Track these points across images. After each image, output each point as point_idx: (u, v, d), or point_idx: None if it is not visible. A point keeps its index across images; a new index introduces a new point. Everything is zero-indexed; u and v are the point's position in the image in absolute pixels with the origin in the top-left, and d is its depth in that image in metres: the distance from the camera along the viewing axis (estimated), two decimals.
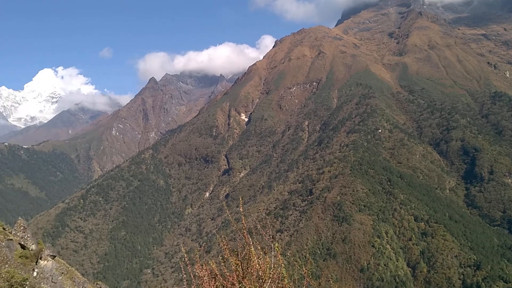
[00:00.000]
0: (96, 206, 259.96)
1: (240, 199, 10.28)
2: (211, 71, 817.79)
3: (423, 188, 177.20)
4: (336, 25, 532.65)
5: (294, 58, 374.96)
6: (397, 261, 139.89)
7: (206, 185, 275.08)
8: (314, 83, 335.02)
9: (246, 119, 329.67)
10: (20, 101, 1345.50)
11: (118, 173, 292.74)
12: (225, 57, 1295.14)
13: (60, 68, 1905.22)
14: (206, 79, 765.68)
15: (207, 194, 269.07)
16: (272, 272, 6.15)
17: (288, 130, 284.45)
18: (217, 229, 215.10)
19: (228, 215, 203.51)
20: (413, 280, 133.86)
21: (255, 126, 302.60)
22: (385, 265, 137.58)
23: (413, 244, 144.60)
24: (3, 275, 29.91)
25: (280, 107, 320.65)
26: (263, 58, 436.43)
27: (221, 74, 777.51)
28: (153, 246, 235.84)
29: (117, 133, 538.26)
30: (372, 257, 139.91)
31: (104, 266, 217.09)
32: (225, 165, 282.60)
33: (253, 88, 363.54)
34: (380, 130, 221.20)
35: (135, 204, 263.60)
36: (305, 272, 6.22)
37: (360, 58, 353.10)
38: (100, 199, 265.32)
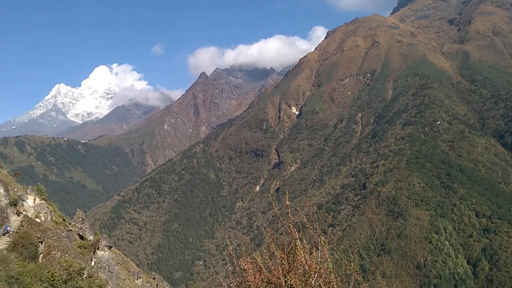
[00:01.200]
0: (150, 199, 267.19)
1: (286, 193, 10.11)
2: (261, 65, 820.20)
3: (485, 183, 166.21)
4: (391, 14, 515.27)
5: (347, 49, 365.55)
6: (456, 258, 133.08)
7: (256, 179, 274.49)
8: (368, 74, 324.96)
9: (297, 112, 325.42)
10: (78, 97, 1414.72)
11: (170, 167, 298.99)
12: (275, 50, 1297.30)
13: (114, 65, 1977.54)
14: (256, 73, 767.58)
15: (258, 188, 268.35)
16: (318, 267, 5.90)
17: (341, 123, 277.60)
18: (267, 223, 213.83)
19: (276, 210, 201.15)
20: (473, 278, 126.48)
21: (306, 119, 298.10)
22: (443, 262, 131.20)
23: (474, 241, 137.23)
24: (62, 264, 29.38)
25: (332, 100, 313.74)
26: (315, 49, 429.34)
27: (271, 67, 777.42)
28: (205, 239, 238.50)
29: (169, 128, 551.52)
30: (430, 254, 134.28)
31: (157, 257, 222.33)
32: (276, 159, 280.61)
33: (304, 81, 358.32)
34: (438, 122, 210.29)
35: (187, 197, 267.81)
36: (353, 268, 5.94)
37: (417, 47, 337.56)
38: (153, 192, 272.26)
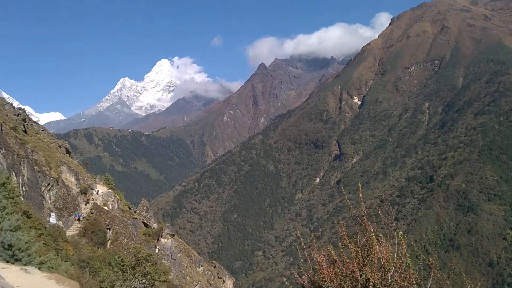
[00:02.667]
0: (210, 189, 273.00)
1: (359, 184, 8.87)
2: (321, 54, 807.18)
3: None
4: None
5: (413, 35, 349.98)
6: None
7: (316, 171, 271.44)
8: (436, 61, 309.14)
9: (359, 102, 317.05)
10: (141, 90, 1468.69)
11: (230, 158, 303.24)
12: (336, 39, 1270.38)
13: (176, 58, 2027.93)
14: (316, 62, 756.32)
15: (318, 179, 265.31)
16: (396, 262, 5.74)
17: (406, 113, 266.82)
18: (328, 215, 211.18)
19: (344, 201, 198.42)
20: None
21: (369, 109, 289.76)
22: None
23: None
24: (130, 250, 30.17)
25: (397, 89, 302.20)
26: (378, 37, 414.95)
27: (332, 56, 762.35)
28: (264, 230, 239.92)
29: (228, 119, 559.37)
30: (504, 251, 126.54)
31: (218, 247, 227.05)
32: (337, 150, 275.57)
33: (367, 70, 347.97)
34: None
35: (246, 188, 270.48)
36: (431, 263, 5.74)
37: (492, 31, 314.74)
38: (213, 182, 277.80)
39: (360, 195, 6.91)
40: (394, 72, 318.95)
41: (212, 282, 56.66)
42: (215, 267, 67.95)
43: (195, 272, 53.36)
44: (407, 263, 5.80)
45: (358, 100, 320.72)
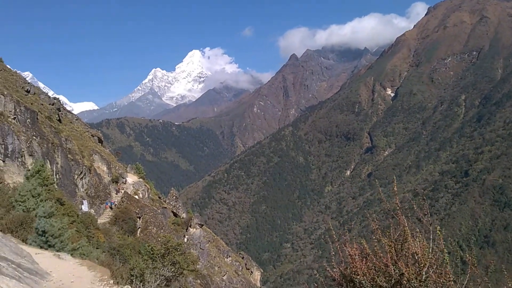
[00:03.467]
0: (239, 180, 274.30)
1: (394, 178, 8.92)
2: (354, 45, 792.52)
3: None
4: None
5: (450, 25, 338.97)
6: None
7: (347, 163, 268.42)
8: (474, 53, 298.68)
9: (392, 94, 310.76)
10: (172, 81, 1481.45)
11: (259, 149, 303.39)
12: (370, 29, 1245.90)
13: (207, 49, 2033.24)
14: (349, 53, 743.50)
15: (348, 172, 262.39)
16: (431, 257, 5.66)
17: (441, 105, 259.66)
18: (358, 208, 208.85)
19: (375, 194, 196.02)
20: None
21: (402, 101, 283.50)
22: None
23: None
24: (160, 239, 30.66)
25: (432, 81, 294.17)
26: (414, 27, 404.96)
27: (365, 47, 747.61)
28: (293, 222, 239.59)
29: (258, 110, 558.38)
30: None
31: (246, 238, 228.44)
32: (368, 143, 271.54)
33: (401, 61, 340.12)
34: None
35: (275, 179, 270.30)
36: (469, 260, 5.66)
37: None
38: (242, 173, 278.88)
39: (395, 188, 6.76)
40: (430, 63, 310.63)
41: (240, 272, 56.95)
42: (243, 258, 68.27)
43: (223, 263, 53.73)
44: (444, 259, 5.66)
45: (392, 92, 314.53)
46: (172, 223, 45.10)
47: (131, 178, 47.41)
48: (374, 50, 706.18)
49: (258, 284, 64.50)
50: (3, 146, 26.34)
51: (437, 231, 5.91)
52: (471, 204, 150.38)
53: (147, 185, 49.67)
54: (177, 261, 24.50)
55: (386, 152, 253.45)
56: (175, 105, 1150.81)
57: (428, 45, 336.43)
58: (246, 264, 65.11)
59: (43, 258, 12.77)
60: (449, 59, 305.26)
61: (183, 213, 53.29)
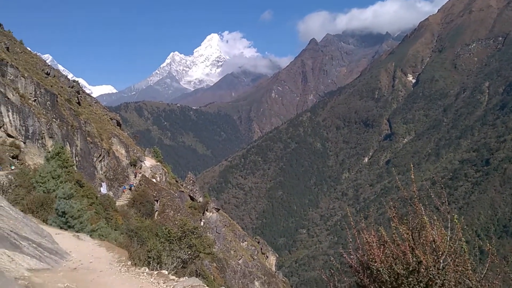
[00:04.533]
0: (256, 165, 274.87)
1: (411, 166, 9.19)
2: (376, 29, 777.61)
3: None
4: None
5: (476, 9, 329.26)
6: None
7: (365, 150, 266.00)
8: (500, 38, 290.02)
9: (414, 81, 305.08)
10: (190, 65, 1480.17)
11: (276, 135, 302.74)
12: (392, 13, 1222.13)
13: (225, 33, 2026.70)
14: (369, 38, 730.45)
15: (366, 159, 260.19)
16: (450, 245, 5.72)
17: (463, 92, 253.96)
18: (375, 196, 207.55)
19: (393, 181, 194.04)
20: None
21: (424, 88, 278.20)
22: None
23: None
24: (177, 222, 31.11)
25: (455, 67, 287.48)
26: (438, 11, 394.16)
27: (387, 32, 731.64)
28: (309, 208, 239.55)
29: (276, 96, 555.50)
30: None
31: (262, 223, 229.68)
32: (387, 130, 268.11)
33: (424, 46, 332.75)
34: None
35: (292, 165, 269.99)
36: (488, 249, 5.66)
37: None
38: (259, 159, 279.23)
39: (412, 176, 6.68)
40: (453, 49, 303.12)
41: (256, 257, 57.41)
42: (258, 242, 68.78)
43: (238, 247, 54.21)
44: (462, 247, 5.66)
45: (413, 78, 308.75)
46: (189, 207, 45.57)
47: (149, 162, 47.94)
48: (396, 35, 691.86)
49: (273, 269, 65.01)
50: (24, 128, 26.79)
51: (455, 220, 5.86)
52: (491, 194, 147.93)
53: (165, 169, 50.16)
54: (194, 244, 24.88)
55: (405, 139, 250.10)
56: (192, 89, 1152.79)
57: (452, 30, 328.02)
58: (261, 249, 65.62)
59: (63, 239, 13.01)
60: (474, 44, 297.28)
61: (200, 197, 53.76)
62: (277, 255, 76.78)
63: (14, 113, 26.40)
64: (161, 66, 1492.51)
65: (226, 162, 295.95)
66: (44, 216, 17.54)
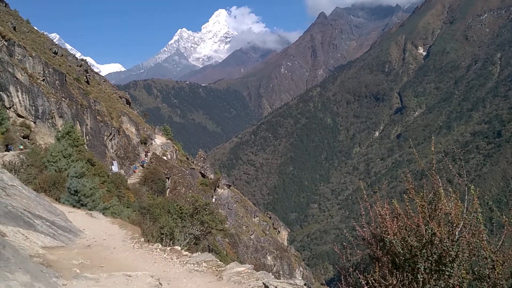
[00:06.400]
0: (266, 141, 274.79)
1: (432, 138, 7.82)
2: (385, 1, 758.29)
3: None
4: None
5: None
6: None
7: (375, 124, 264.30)
8: None
9: (424, 53, 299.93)
10: (198, 42, 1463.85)
11: (286, 111, 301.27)
12: None
13: (233, 8, 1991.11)
14: (379, 11, 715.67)
15: (377, 133, 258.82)
16: (465, 217, 5.55)
17: (475, 64, 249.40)
18: (386, 169, 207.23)
19: (405, 154, 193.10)
20: None
21: (435, 60, 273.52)
22: None
23: None
24: (188, 199, 31.41)
25: (466, 38, 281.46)
26: None
27: (397, 4, 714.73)
28: (320, 183, 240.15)
29: (286, 71, 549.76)
30: None
31: (273, 198, 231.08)
32: (398, 103, 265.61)
33: (434, 18, 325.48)
34: None
35: (303, 141, 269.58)
36: (505, 221, 5.44)
37: None
38: (270, 135, 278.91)
39: (433, 147, 6.50)
40: (464, 20, 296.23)
41: (267, 232, 57.97)
42: (270, 218, 69.34)
43: (250, 222, 54.69)
44: (477, 218, 5.42)
45: (424, 51, 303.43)
46: (200, 184, 45.87)
47: (159, 140, 48.10)
48: (406, 7, 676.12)
49: (285, 243, 65.69)
50: (33, 107, 26.89)
51: (471, 191, 5.56)
52: (503, 165, 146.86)
53: (175, 146, 50.32)
54: (206, 220, 25.06)
55: (416, 112, 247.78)
56: (201, 66, 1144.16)
57: (463, 1, 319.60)
58: (273, 224, 66.17)
59: (76, 217, 13.17)
60: (485, 15, 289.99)
61: (211, 174, 54.01)
62: (288, 230, 77.51)
63: (24, 93, 26.49)
64: (169, 43, 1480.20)
65: (236, 138, 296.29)
66: (56, 195, 17.73)
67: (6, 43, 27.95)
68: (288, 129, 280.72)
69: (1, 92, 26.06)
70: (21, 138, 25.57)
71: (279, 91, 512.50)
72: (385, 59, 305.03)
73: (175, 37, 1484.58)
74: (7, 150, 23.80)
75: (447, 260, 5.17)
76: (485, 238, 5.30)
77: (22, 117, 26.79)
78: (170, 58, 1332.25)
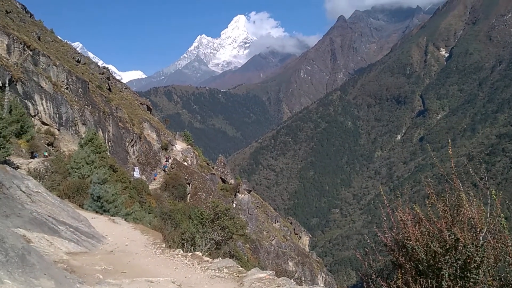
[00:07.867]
0: (286, 146, 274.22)
1: (449, 142, 9.42)
2: (406, 3, 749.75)
3: None
4: None
5: None
6: None
7: (397, 127, 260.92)
8: None
9: (446, 55, 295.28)
10: (218, 47, 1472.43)
11: (306, 115, 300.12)
12: None
13: (252, 13, 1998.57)
14: (400, 13, 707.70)
15: (399, 136, 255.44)
16: (488, 222, 5.46)
17: (499, 65, 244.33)
18: (409, 173, 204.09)
19: (427, 158, 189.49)
20: None
21: (457, 62, 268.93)
22: None
23: None
24: (209, 204, 31.56)
25: (490, 39, 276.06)
26: None
27: (417, 6, 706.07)
28: (341, 187, 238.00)
29: (305, 75, 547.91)
30: None
31: (294, 203, 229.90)
32: (420, 106, 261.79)
33: (456, 19, 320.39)
34: None
35: (323, 145, 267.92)
36: None
37: None
38: (290, 139, 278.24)
39: (450, 151, 6.64)
40: (488, 20, 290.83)
41: (289, 237, 57.66)
42: (291, 223, 68.96)
43: (271, 227, 54.52)
44: (501, 223, 5.32)
45: (446, 52, 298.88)
46: (221, 189, 45.99)
47: (180, 145, 48.49)
48: (427, 9, 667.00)
49: (307, 249, 65.21)
50: (57, 115, 27.49)
51: (493, 196, 5.46)
52: None
53: (196, 152, 50.65)
54: (226, 225, 25.04)
55: (439, 115, 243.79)
56: (221, 71, 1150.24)
57: (486, 1, 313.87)
58: (294, 229, 65.79)
59: (99, 222, 13.33)
60: (509, 15, 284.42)
61: (231, 179, 54.12)
62: (310, 235, 76.94)
63: (48, 101, 27.14)
64: (189, 49, 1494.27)
65: (256, 143, 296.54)
66: (80, 201, 18.01)
67: (31, 53, 28.76)
68: (308, 133, 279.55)
69: (26, 101, 26.77)
70: (46, 146, 26.15)
71: (298, 95, 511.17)
72: (406, 61, 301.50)
73: (195, 44, 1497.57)
74: (33, 157, 24.37)
75: (472, 266, 5.04)
76: (510, 243, 5.20)
77: (47, 124, 27.42)
78: (190, 64, 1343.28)
